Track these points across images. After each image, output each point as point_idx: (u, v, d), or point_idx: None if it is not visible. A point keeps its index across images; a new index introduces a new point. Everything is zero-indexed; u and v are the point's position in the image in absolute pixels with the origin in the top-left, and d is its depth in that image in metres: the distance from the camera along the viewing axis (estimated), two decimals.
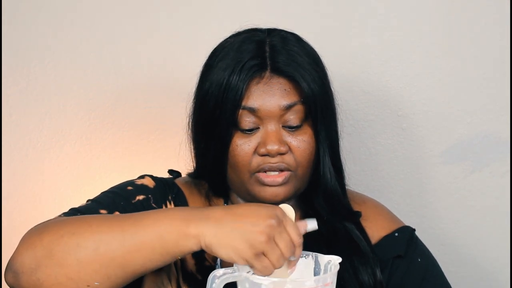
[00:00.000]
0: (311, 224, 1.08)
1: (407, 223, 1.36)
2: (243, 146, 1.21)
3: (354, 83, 1.66)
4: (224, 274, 1.02)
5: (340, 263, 1.08)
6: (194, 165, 1.32)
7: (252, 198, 1.25)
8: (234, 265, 1.04)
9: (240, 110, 1.20)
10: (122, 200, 1.24)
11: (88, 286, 1.03)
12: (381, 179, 1.70)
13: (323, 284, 1.01)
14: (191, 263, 1.27)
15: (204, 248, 1.02)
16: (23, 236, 1.10)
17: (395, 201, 1.68)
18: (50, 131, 1.70)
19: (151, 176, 1.31)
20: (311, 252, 1.09)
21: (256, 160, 1.21)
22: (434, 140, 1.67)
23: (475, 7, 1.63)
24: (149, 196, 1.27)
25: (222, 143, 1.22)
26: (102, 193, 1.27)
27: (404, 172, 1.69)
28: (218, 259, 1.26)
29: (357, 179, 1.66)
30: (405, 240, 1.30)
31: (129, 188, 1.27)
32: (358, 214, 1.31)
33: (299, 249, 1.04)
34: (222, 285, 1.01)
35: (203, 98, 1.25)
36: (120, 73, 1.69)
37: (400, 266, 1.29)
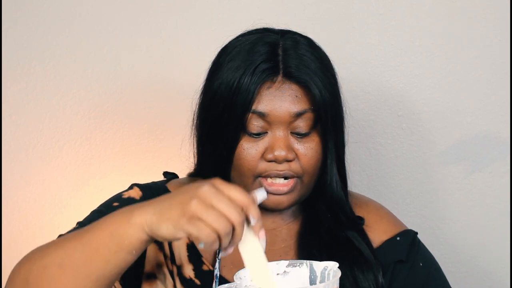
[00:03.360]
0: (261, 195, 1.03)
1: (407, 223, 1.36)
2: (250, 150, 1.20)
3: (354, 83, 1.66)
4: None
5: (341, 271, 1.07)
6: (196, 162, 1.31)
7: None
8: (234, 277, 1.03)
9: (249, 114, 1.19)
10: None
11: None
12: (381, 179, 1.69)
13: None
14: (188, 268, 1.26)
15: (149, 232, 1.00)
16: (11, 272, 1.11)
17: (395, 201, 1.68)
18: (50, 131, 1.70)
19: (139, 186, 1.29)
20: (304, 260, 1.07)
21: (263, 166, 1.20)
22: (434, 140, 1.67)
23: (475, 7, 1.63)
24: None
25: (228, 145, 1.21)
26: (91, 212, 1.27)
27: (404, 172, 1.69)
28: (217, 263, 1.25)
29: (357, 179, 1.66)
30: (406, 244, 1.29)
31: (115, 204, 1.25)
32: (361, 222, 1.29)
33: (252, 208, 0.98)
34: None
35: (212, 98, 1.23)
36: (120, 73, 1.69)
37: (401, 271, 1.27)
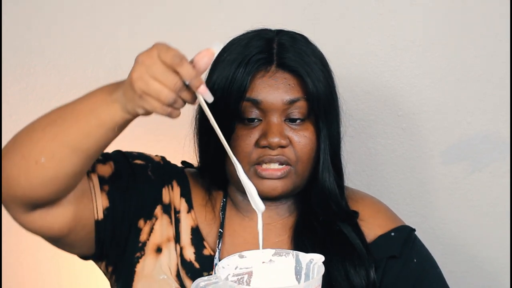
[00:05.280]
0: (216, 46, 1.05)
1: (407, 223, 1.35)
2: (244, 137, 1.23)
3: (354, 83, 1.66)
4: (207, 285, 1.01)
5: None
6: (198, 160, 1.34)
7: None
8: (216, 270, 1.03)
9: (244, 102, 1.22)
10: (122, 157, 1.30)
11: (36, 162, 1.10)
12: (381, 179, 1.70)
13: None
14: (190, 251, 1.28)
15: (125, 110, 1.06)
16: None
17: (395, 201, 1.68)
18: None
19: (163, 157, 1.35)
20: (291, 251, 1.08)
21: (257, 152, 1.22)
22: (434, 140, 1.67)
23: (475, 7, 1.63)
24: (149, 164, 1.31)
25: (224, 134, 1.23)
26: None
27: (404, 172, 1.69)
28: (217, 253, 1.27)
29: (357, 179, 1.66)
30: (401, 240, 1.29)
31: (136, 153, 1.32)
32: (355, 215, 1.30)
33: (181, 69, 1.00)
34: None
35: (210, 91, 1.26)
36: (120, 73, 1.69)
37: (394, 267, 1.27)
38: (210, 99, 1.03)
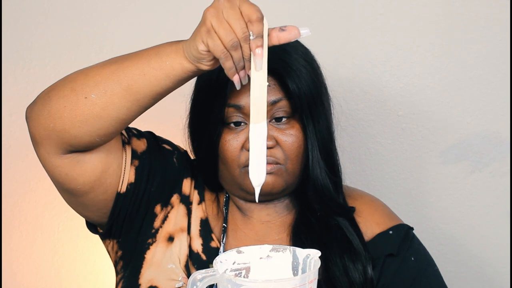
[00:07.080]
0: (304, 30, 1.08)
1: (407, 223, 1.36)
2: (231, 142, 1.24)
3: (354, 83, 1.66)
4: (204, 277, 1.00)
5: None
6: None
7: (244, 193, 1.27)
8: (213, 264, 1.03)
9: (227, 108, 1.23)
10: (154, 139, 1.31)
11: (86, 97, 1.12)
12: (381, 179, 1.70)
13: (307, 282, 0.99)
14: (198, 242, 1.29)
15: (186, 57, 1.09)
16: None
17: (395, 201, 1.68)
18: None
19: (185, 151, 1.35)
20: (288, 246, 1.08)
21: (244, 155, 1.23)
22: (434, 140, 1.67)
23: (475, 7, 1.63)
24: (175, 151, 1.32)
25: (212, 140, 1.25)
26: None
27: (404, 172, 1.69)
28: (221, 247, 1.28)
29: (357, 179, 1.66)
30: (399, 238, 1.29)
31: (164, 138, 1.33)
32: (351, 210, 1.30)
33: (255, 24, 1.04)
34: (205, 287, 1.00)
35: (196, 98, 1.28)
36: None
37: (392, 265, 1.28)
38: (260, 67, 1.05)
